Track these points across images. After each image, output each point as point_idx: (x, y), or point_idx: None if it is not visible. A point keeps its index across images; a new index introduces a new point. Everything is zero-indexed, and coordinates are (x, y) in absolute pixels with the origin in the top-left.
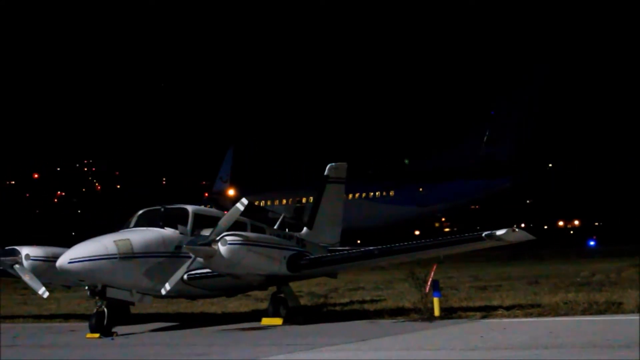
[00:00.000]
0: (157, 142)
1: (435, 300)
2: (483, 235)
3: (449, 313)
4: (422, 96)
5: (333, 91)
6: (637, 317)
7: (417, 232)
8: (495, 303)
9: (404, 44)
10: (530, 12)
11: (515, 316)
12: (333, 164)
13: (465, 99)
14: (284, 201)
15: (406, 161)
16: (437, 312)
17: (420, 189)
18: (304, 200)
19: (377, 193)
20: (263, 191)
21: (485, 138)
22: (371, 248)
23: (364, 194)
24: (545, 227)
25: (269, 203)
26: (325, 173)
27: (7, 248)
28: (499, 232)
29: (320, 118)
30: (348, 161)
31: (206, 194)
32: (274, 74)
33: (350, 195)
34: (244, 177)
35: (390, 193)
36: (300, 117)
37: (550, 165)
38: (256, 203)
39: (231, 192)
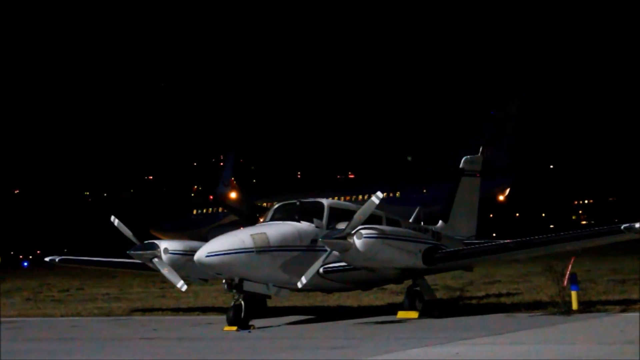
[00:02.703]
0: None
1: (573, 293)
2: (622, 227)
3: (587, 307)
4: (422, 97)
5: (334, 93)
6: None
7: None
8: (634, 297)
9: (404, 44)
10: (530, 12)
11: None
12: (468, 156)
13: (465, 99)
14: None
15: (409, 158)
16: (575, 306)
17: (424, 190)
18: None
19: (384, 194)
20: (267, 194)
21: (481, 148)
22: (507, 241)
23: (366, 196)
24: None
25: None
26: (461, 166)
27: (146, 242)
28: (638, 225)
29: (321, 120)
30: (351, 163)
31: (211, 197)
32: (275, 75)
33: (361, 197)
34: (249, 179)
35: (397, 194)
36: (301, 118)
37: (551, 166)
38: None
39: (233, 195)
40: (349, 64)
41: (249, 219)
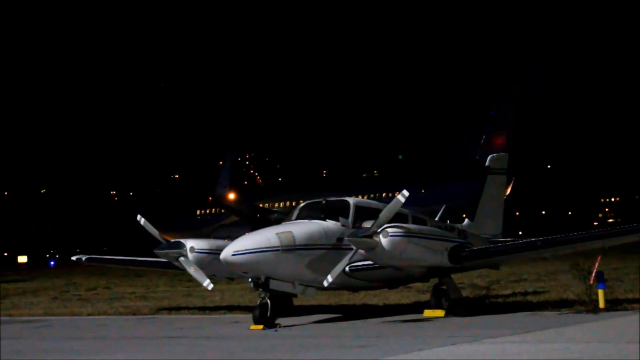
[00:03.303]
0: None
1: (600, 291)
2: None
3: (614, 305)
4: (422, 97)
5: (333, 93)
6: None
7: None
8: None
9: (404, 45)
10: (530, 12)
11: None
12: (494, 154)
13: (465, 99)
14: (282, 204)
15: (400, 157)
16: (602, 304)
17: (422, 191)
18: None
19: (382, 194)
20: (270, 195)
21: (481, 142)
22: (534, 239)
23: (372, 195)
24: None
25: (275, 205)
26: (487, 164)
27: (172, 241)
28: None
29: (319, 120)
30: (351, 163)
31: (210, 198)
32: (274, 76)
33: (360, 197)
34: (249, 181)
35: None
36: (299, 119)
37: (549, 166)
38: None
39: (231, 196)
40: (348, 66)
41: (250, 219)
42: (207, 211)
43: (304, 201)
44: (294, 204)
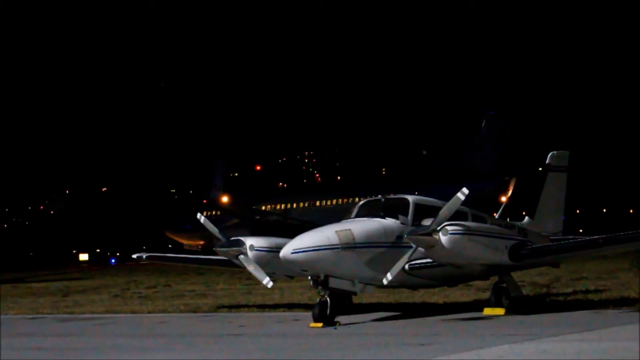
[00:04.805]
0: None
1: None
2: None
3: None
4: (421, 97)
5: (332, 94)
6: None
7: None
8: None
9: (403, 47)
10: (531, 12)
11: None
12: (554, 152)
13: (465, 99)
14: (279, 206)
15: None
16: None
17: (416, 193)
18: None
19: (379, 196)
20: (271, 197)
21: (480, 131)
22: (595, 237)
23: (368, 197)
24: None
25: (268, 207)
26: (547, 162)
27: (232, 239)
28: None
29: (319, 122)
30: (349, 164)
31: (205, 201)
32: (274, 77)
33: (357, 199)
34: (248, 185)
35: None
36: (298, 121)
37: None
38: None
39: (224, 199)
40: (347, 67)
41: (247, 221)
42: (214, 213)
43: (302, 204)
44: (294, 205)
